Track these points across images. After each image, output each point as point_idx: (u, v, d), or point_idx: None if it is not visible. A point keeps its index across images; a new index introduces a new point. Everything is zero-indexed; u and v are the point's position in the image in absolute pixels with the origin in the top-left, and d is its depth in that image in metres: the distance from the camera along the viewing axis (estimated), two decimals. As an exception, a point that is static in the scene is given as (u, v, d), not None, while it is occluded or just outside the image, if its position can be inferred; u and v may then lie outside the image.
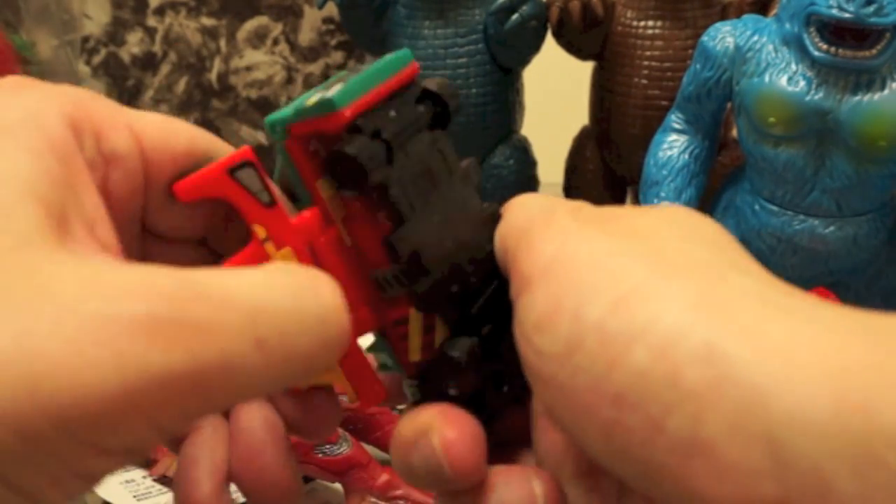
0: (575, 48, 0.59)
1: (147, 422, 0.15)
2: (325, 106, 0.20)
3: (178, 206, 0.22)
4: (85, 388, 0.14)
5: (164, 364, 0.14)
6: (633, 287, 0.17)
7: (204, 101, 0.70)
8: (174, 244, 0.23)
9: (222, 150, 0.22)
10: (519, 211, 0.21)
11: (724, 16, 0.56)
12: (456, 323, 0.22)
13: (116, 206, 0.20)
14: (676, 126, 0.49)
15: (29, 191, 0.16)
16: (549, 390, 0.18)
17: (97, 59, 0.68)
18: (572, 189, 0.64)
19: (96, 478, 0.16)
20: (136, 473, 0.39)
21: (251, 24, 0.69)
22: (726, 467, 0.14)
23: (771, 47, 0.43)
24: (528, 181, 0.63)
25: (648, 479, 0.16)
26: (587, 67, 0.62)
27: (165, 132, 0.21)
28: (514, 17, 0.56)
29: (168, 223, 0.22)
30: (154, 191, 0.21)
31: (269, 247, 0.21)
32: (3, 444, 0.14)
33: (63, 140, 0.18)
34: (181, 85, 0.70)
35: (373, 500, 0.37)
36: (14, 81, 0.20)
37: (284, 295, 0.17)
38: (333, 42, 0.70)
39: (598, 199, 0.63)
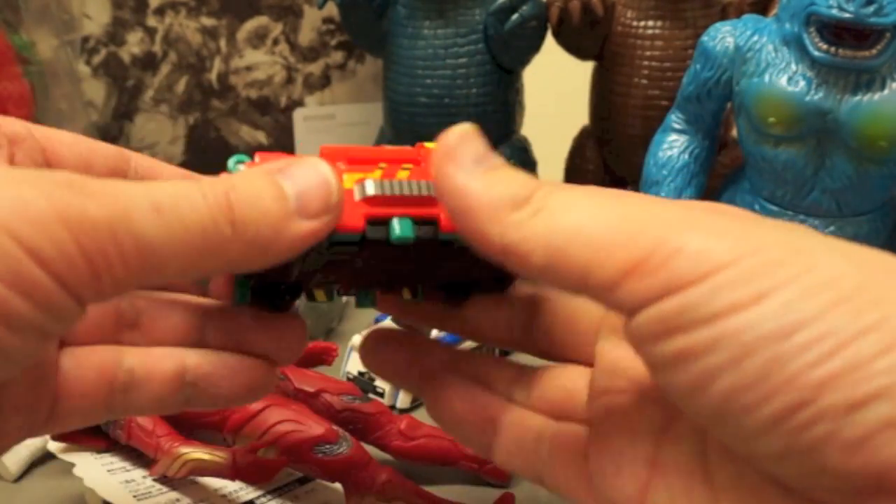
0: (575, 48, 0.59)
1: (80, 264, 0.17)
2: None
3: None
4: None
5: (83, 207, 0.17)
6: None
7: (204, 101, 0.70)
8: None
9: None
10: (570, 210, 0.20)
11: (724, 16, 0.56)
12: None
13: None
14: (676, 126, 0.49)
15: None
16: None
17: (97, 59, 0.68)
18: (572, 189, 0.64)
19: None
20: (137, 473, 0.39)
21: (251, 24, 0.69)
22: None
23: (771, 47, 0.43)
24: (528, 181, 0.63)
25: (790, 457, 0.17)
26: (587, 67, 0.62)
27: (51, 130, 0.24)
28: (514, 17, 0.56)
29: None
30: (53, 159, 0.24)
31: None
32: None
33: None
34: (181, 85, 0.70)
35: (373, 500, 0.37)
36: None
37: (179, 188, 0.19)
38: (333, 42, 0.70)
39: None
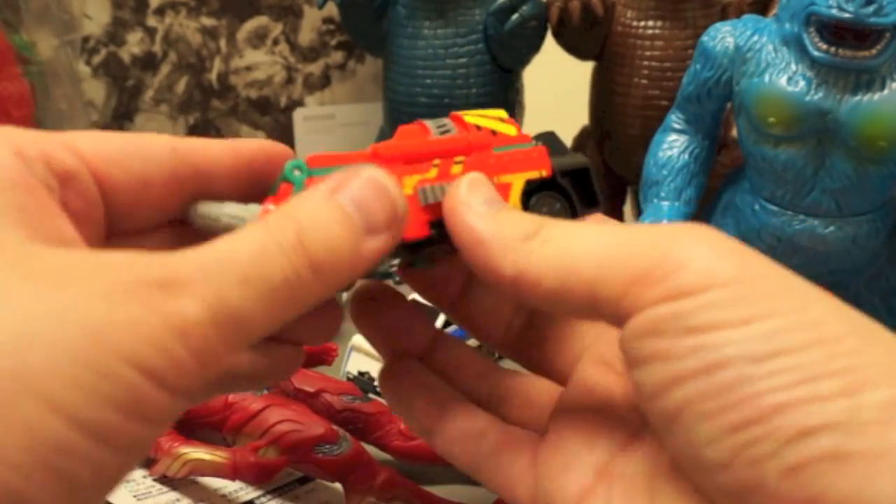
0: (575, 48, 0.59)
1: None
2: None
3: (144, 202, 0.22)
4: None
5: (184, 310, 0.17)
6: None
7: (204, 101, 0.70)
8: (146, 234, 0.24)
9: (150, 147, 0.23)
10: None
11: (724, 16, 0.56)
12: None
13: (79, 221, 0.21)
14: (676, 126, 0.49)
15: (7, 223, 0.18)
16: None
17: (97, 59, 0.68)
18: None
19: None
20: (137, 473, 0.39)
21: (251, 24, 0.69)
22: None
23: (771, 47, 0.43)
24: (528, 181, 0.63)
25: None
26: (587, 67, 0.62)
27: (98, 140, 0.22)
28: (514, 17, 0.56)
29: (137, 222, 0.23)
30: (113, 200, 0.22)
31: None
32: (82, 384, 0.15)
33: (16, 169, 0.19)
34: (181, 85, 0.70)
35: (373, 500, 0.37)
36: None
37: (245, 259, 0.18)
38: (333, 42, 0.70)
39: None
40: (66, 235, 0.19)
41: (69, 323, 0.16)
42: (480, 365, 0.28)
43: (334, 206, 0.20)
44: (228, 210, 0.22)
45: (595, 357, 0.26)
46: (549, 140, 0.26)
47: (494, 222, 0.22)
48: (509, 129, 0.25)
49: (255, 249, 0.18)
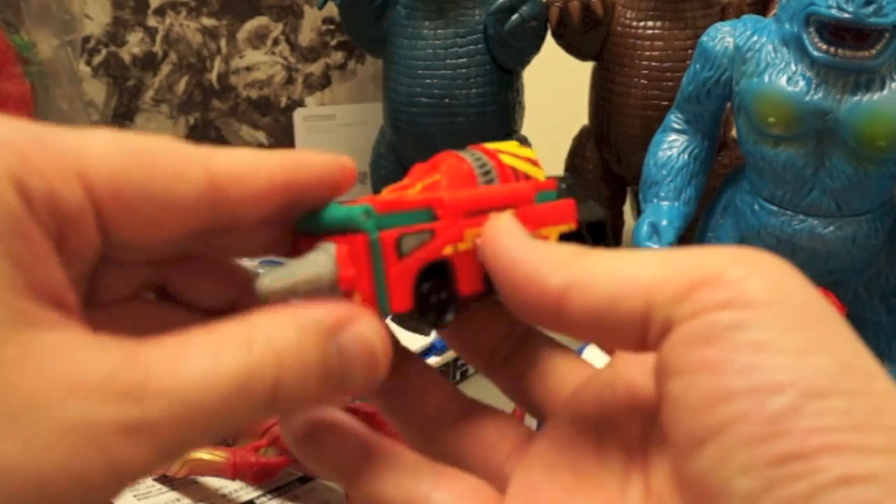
0: (575, 48, 0.59)
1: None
2: None
3: (147, 243, 0.20)
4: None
5: (139, 459, 0.17)
6: None
7: (204, 101, 0.70)
8: (129, 269, 0.22)
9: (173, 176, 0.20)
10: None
11: (723, 16, 0.56)
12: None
13: (71, 261, 0.19)
14: (676, 126, 0.49)
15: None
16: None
17: (97, 59, 0.68)
18: (572, 189, 0.64)
19: None
20: (137, 473, 0.39)
21: (251, 25, 0.69)
22: None
23: (770, 47, 0.43)
24: (527, 181, 0.63)
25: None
26: (587, 67, 0.62)
27: (115, 171, 0.19)
28: (514, 17, 0.56)
29: (132, 254, 0.21)
30: (114, 238, 0.20)
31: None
32: None
33: (17, 211, 0.17)
34: (181, 85, 0.70)
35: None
36: None
37: (225, 387, 0.18)
38: (333, 42, 0.70)
39: (598, 199, 0.63)
40: (55, 284, 0.18)
41: (13, 473, 0.16)
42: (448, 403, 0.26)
43: (322, 353, 0.20)
44: (301, 276, 0.20)
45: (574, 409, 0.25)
46: (572, 187, 0.26)
47: (537, 246, 0.22)
48: (539, 174, 0.26)
49: (230, 391, 0.18)
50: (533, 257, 0.21)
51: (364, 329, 0.20)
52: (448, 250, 0.22)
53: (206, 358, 0.18)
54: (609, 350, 0.30)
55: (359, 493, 0.23)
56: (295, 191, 0.21)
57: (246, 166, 0.21)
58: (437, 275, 0.22)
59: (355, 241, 0.20)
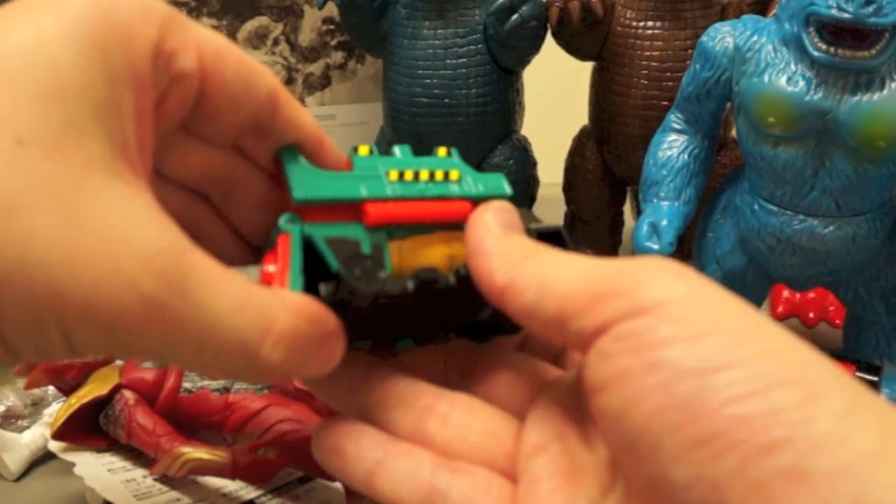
0: (575, 48, 0.59)
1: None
2: None
3: (220, 122, 0.24)
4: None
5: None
6: None
7: (204, 101, 0.70)
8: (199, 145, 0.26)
9: (266, 78, 0.25)
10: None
11: (723, 16, 0.56)
12: None
13: (162, 121, 0.23)
14: (676, 126, 0.49)
15: (100, 116, 0.20)
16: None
17: (97, 60, 0.68)
18: (572, 189, 0.64)
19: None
20: (137, 473, 0.39)
21: (251, 25, 0.69)
22: None
23: (770, 47, 0.43)
24: (527, 181, 0.63)
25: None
26: (587, 67, 0.62)
27: (220, 55, 0.23)
28: (514, 17, 0.56)
29: (208, 128, 0.25)
30: (200, 109, 0.23)
31: None
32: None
33: (144, 66, 0.21)
34: (181, 85, 0.70)
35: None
36: None
37: (243, 323, 0.21)
38: (333, 42, 0.70)
39: (598, 199, 0.63)
40: (143, 144, 0.21)
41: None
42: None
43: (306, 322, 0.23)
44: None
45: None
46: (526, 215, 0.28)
47: (503, 241, 0.24)
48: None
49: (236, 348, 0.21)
50: (492, 251, 0.23)
51: (283, 325, 0.22)
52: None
53: (234, 301, 0.21)
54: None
55: (376, 492, 0.24)
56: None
57: (294, 116, 0.26)
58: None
59: (285, 247, 0.24)
